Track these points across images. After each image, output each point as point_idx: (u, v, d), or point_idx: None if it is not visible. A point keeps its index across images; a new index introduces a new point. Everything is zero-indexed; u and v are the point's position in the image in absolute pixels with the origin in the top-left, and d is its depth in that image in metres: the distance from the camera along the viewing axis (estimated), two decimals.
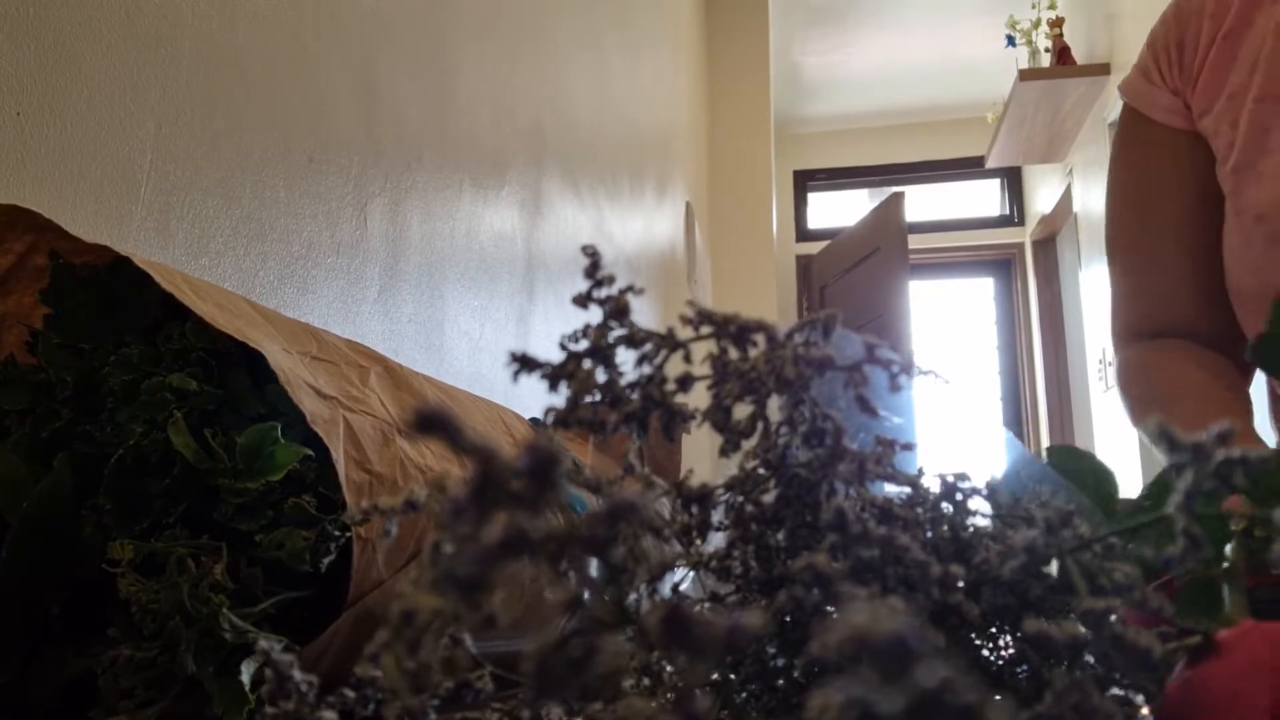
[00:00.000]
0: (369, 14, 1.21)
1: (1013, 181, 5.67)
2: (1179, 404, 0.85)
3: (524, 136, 1.81)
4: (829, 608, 0.20)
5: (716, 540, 0.26)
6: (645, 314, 2.80)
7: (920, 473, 0.27)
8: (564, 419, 0.23)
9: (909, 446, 0.26)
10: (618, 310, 0.23)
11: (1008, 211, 5.70)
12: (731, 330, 0.23)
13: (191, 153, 0.87)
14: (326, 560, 0.36)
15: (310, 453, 0.38)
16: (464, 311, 1.49)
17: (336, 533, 0.37)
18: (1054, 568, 0.24)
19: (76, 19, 0.74)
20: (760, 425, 0.24)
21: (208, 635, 0.31)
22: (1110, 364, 3.45)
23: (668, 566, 0.22)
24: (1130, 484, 2.74)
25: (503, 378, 1.66)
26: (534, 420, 0.64)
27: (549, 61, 1.99)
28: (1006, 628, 0.25)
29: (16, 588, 0.38)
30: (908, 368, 0.23)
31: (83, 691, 0.37)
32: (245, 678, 0.31)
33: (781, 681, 0.24)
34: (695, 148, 4.09)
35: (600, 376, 0.23)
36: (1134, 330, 0.96)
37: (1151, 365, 0.92)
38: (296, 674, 0.18)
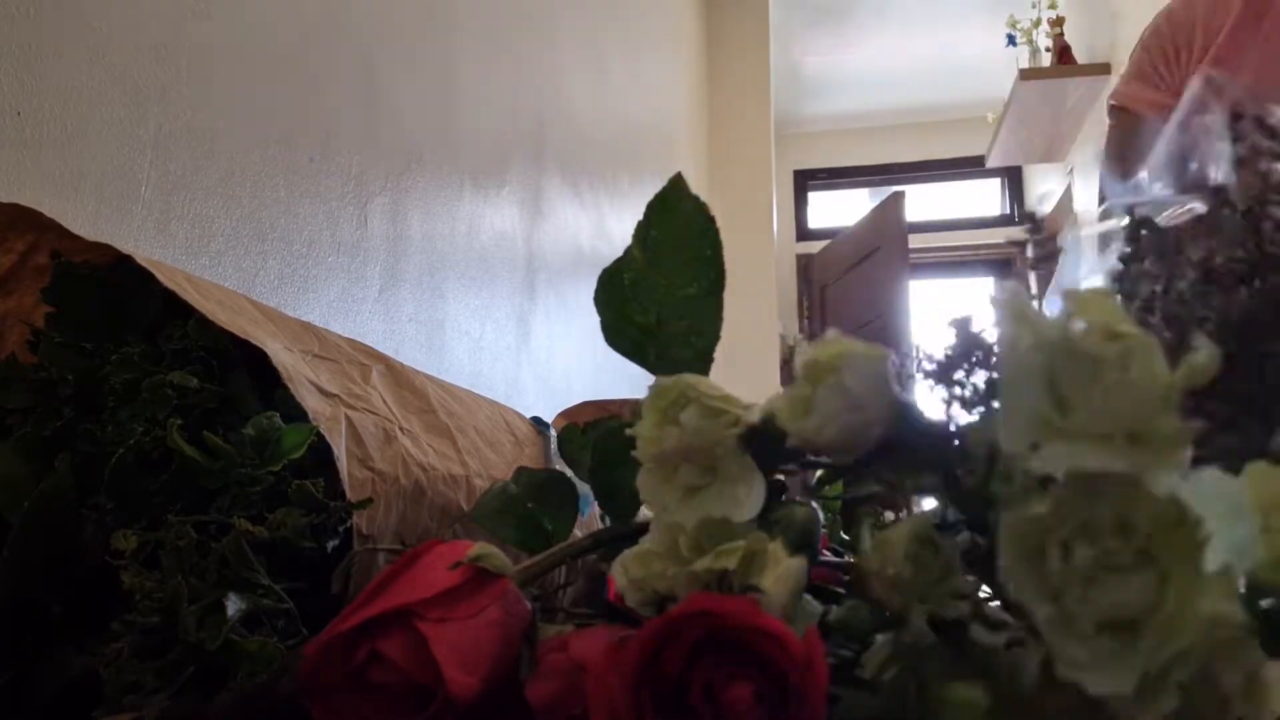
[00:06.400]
0: (369, 14, 1.21)
1: (1013, 181, 5.66)
2: None
3: (524, 136, 1.81)
4: None
5: None
6: None
7: None
8: None
9: None
10: None
11: (1008, 211, 5.69)
12: None
13: (191, 153, 0.87)
14: (331, 544, 0.36)
15: (318, 429, 0.38)
16: (464, 311, 1.49)
17: (338, 525, 0.37)
18: None
19: (76, 19, 0.74)
20: None
21: (210, 609, 0.32)
22: None
23: None
24: None
25: (503, 377, 1.66)
26: (535, 419, 0.64)
27: (549, 61, 1.99)
28: None
29: (17, 587, 0.38)
30: None
31: (85, 692, 0.37)
32: (230, 611, 0.32)
33: None
34: (695, 147, 4.09)
35: None
36: None
37: None
38: None
